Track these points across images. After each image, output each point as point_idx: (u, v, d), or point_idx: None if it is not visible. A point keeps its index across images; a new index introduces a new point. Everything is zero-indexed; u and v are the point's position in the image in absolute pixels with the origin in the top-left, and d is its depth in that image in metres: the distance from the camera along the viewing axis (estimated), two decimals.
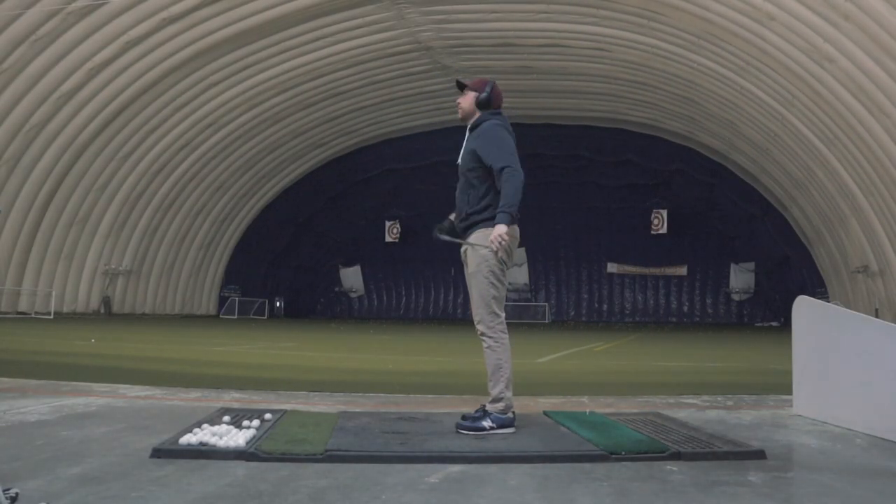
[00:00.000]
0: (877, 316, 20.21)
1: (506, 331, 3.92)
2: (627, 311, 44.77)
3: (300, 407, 4.66)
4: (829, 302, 14.81)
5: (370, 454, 3.19)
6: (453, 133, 38.73)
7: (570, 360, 10.89)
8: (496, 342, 3.87)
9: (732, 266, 42.42)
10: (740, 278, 42.48)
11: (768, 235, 37.72)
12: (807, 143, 25.00)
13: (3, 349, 9.79)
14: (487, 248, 3.79)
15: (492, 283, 3.88)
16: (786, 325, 23.44)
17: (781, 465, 3.27)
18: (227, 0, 23.81)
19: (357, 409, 4.61)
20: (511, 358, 3.92)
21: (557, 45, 27.53)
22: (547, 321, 42.17)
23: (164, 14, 23.49)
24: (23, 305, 27.41)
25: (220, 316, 37.92)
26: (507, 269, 3.99)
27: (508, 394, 3.81)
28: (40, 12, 21.77)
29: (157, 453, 3.15)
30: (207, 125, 30.50)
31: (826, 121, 22.82)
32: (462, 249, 4.01)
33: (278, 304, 44.17)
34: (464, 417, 3.91)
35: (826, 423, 4.40)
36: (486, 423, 3.70)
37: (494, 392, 3.80)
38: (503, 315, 3.98)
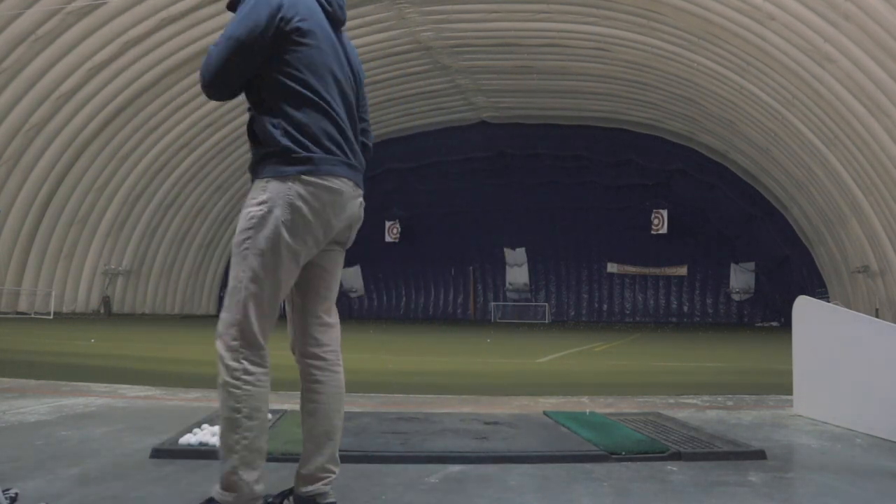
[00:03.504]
0: (877, 316, 20.20)
1: (266, 363, 2.24)
2: (627, 311, 44.75)
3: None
4: (829, 302, 14.82)
5: (370, 454, 3.18)
6: (453, 133, 38.88)
7: (570, 360, 10.89)
8: (235, 379, 2.18)
9: (732, 266, 42.41)
10: (740, 278, 42.46)
11: (768, 235, 37.72)
12: (807, 143, 25.00)
13: (3, 349, 9.79)
14: (259, 208, 2.24)
15: (254, 272, 2.22)
16: (786, 325, 23.45)
17: (781, 465, 3.27)
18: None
19: (357, 409, 4.60)
20: (267, 415, 2.24)
21: (557, 45, 27.52)
22: (547, 321, 42.17)
23: (164, 14, 23.49)
24: (22, 305, 27.40)
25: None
26: (309, 250, 2.31)
27: (249, 476, 2.17)
28: (40, 12, 21.77)
29: (157, 453, 3.15)
30: (207, 125, 30.50)
31: (826, 121, 22.82)
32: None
33: None
34: None
35: (826, 423, 4.40)
36: None
37: (224, 467, 2.19)
38: (269, 331, 2.27)
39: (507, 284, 46.00)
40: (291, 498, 2.36)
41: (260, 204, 2.24)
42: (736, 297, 43.00)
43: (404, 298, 48.48)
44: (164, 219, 33.51)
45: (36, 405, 4.61)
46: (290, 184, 2.24)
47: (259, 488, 2.20)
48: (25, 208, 26.78)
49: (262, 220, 2.23)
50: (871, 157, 21.74)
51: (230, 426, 2.18)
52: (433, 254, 46.02)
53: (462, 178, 42.15)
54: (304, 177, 2.24)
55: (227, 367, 2.19)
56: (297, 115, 2.27)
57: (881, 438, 3.90)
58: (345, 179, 2.33)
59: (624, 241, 42.91)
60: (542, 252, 44.84)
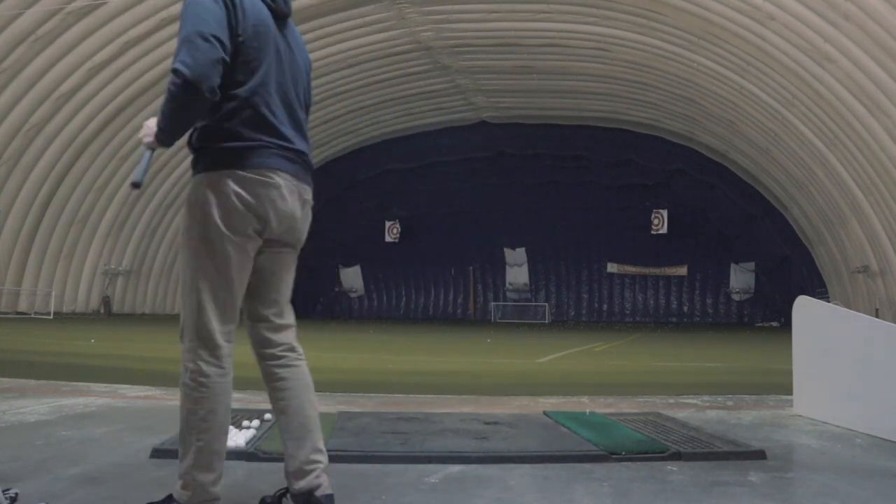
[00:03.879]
0: (877, 316, 20.20)
1: (222, 364, 2.24)
2: (627, 311, 44.76)
3: None
4: (829, 302, 14.81)
5: (370, 454, 3.18)
6: (453, 133, 38.86)
7: (570, 360, 10.89)
8: (191, 380, 2.20)
9: (732, 266, 42.42)
10: (740, 278, 42.47)
11: (768, 235, 37.72)
12: (807, 142, 25.00)
13: (3, 349, 9.79)
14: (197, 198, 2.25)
15: (201, 270, 2.24)
16: (786, 325, 23.45)
17: (781, 465, 3.27)
18: None
19: (357, 409, 4.61)
20: (226, 416, 2.24)
21: (557, 45, 27.53)
22: (547, 321, 42.17)
23: (164, 14, 23.47)
24: (22, 305, 27.39)
25: None
26: (253, 241, 2.29)
27: (204, 478, 2.17)
28: (40, 12, 21.77)
29: (157, 453, 3.15)
30: None
31: (826, 121, 22.82)
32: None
33: None
34: None
35: (826, 423, 4.40)
36: None
37: (182, 466, 2.20)
38: (229, 329, 2.29)
39: (507, 284, 46.01)
40: (289, 496, 2.33)
41: (196, 201, 2.24)
42: (736, 297, 43.00)
43: (404, 298, 48.47)
44: (164, 219, 33.51)
45: (36, 405, 4.61)
46: (224, 179, 2.21)
47: (215, 490, 2.19)
48: (25, 208, 26.78)
49: (199, 217, 2.23)
50: (871, 157, 21.74)
51: (186, 427, 2.19)
52: (433, 254, 45.99)
53: (462, 178, 42.14)
54: (235, 171, 2.22)
55: (185, 368, 2.22)
56: (231, 111, 2.23)
57: (881, 438, 3.90)
58: (280, 172, 2.28)
59: (624, 241, 42.93)
60: (542, 252, 44.84)
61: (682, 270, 43.67)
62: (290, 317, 2.48)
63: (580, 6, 24.31)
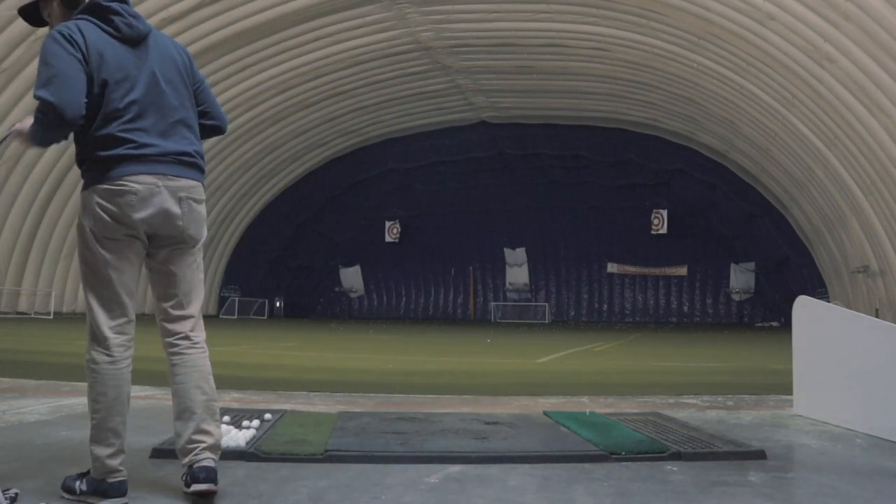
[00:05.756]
0: (877, 316, 20.19)
1: (111, 353, 2.50)
2: (627, 311, 44.78)
3: (300, 407, 4.66)
4: (829, 302, 14.80)
5: (370, 454, 3.18)
6: (453, 133, 38.89)
7: (570, 360, 10.89)
8: (87, 368, 2.51)
9: (732, 266, 42.44)
10: (740, 278, 42.49)
11: (768, 235, 37.73)
12: (807, 142, 25.00)
13: (3, 349, 9.79)
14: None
15: (86, 276, 2.55)
16: (786, 325, 23.45)
17: (781, 465, 3.27)
18: (227, 0, 23.80)
19: (357, 409, 4.61)
20: (118, 399, 2.49)
21: (557, 45, 27.53)
22: (547, 321, 42.17)
23: (164, 14, 23.48)
24: (22, 305, 27.40)
25: (220, 316, 37.92)
26: (131, 246, 2.54)
27: (100, 451, 2.45)
28: None
29: (157, 453, 3.15)
30: None
31: (826, 121, 22.83)
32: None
33: (278, 304, 44.18)
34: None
35: (826, 423, 4.40)
36: (77, 485, 2.49)
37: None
38: (118, 323, 2.54)
39: (507, 284, 46.03)
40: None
41: (79, 216, 2.54)
42: (736, 297, 43.02)
43: (404, 298, 48.49)
44: None
45: (36, 405, 4.61)
46: (91, 194, 2.48)
47: (112, 462, 2.46)
48: (25, 208, 26.78)
49: (80, 229, 2.53)
50: (871, 157, 21.74)
51: (89, 407, 2.50)
52: (433, 254, 46.02)
53: (462, 178, 42.16)
54: (98, 185, 2.47)
55: (86, 358, 2.53)
56: (96, 131, 2.47)
57: (881, 438, 3.90)
58: (141, 177, 2.48)
59: (624, 241, 42.96)
60: (542, 252, 44.86)
61: (682, 270, 43.70)
62: (190, 308, 2.69)
63: (580, 6, 24.31)
